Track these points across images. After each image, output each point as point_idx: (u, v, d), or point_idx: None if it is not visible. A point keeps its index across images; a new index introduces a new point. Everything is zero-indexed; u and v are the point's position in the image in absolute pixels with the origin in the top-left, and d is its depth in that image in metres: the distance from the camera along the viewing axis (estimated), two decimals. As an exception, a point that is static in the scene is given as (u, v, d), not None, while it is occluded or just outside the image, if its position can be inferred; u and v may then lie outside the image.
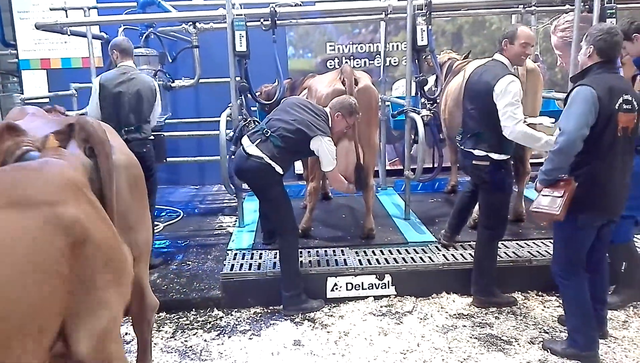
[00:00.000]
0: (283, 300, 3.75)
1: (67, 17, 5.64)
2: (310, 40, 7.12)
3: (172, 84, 5.44)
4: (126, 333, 3.56)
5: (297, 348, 3.34)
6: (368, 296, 3.89)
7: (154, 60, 5.46)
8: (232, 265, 4.07)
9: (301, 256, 4.15)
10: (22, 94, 6.88)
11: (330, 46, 7.14)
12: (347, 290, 3.89)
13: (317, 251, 4.28)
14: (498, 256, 3.84)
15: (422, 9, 4.66)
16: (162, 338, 3.53)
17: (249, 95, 4.85)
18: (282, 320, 3.71)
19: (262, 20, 4.98)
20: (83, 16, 5.80)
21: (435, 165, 4.71)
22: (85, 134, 2.34)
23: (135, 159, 2.58)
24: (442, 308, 3.76)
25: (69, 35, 5.47)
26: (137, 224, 2.53)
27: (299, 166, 6.61)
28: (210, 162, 6.52)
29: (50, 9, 5.93)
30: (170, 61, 5.79)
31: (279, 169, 3.63)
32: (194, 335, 3.57)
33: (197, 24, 5.08)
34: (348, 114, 3.78)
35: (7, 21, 7.47)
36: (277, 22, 4.99)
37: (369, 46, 7.12)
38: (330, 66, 7.00)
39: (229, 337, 3.51)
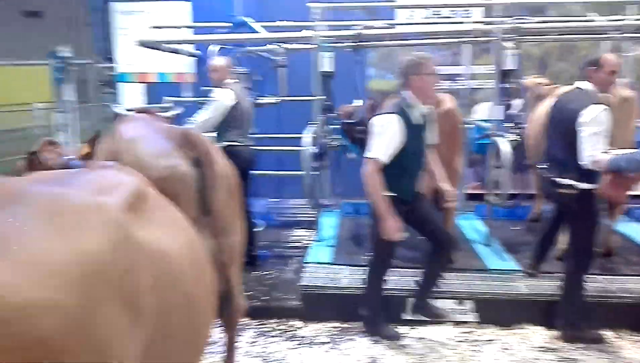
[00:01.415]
0: (362, 317, 3.78)
1: (165, 35, 6.06)
2: (392, 61, 7.20)
3: (258, 101, 5.69)
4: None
5: (374, 366, 3.38)
6: (447, 321, 3.85)
7: (243, 78, 5.73)
8: (311, 278, 4.17)
9: (379, 275, 4.20)
10: (119, 105, 7.43)
11: (411, 67, 7.18)
12: (425, 312, 3.88)
13: (395, 271, 4.28)
14: (588, 291, 3.69)
15: (509, 33, 4.62)
16: (244, 343, 3.67)
17: (331, 114, 4.99)
18: (359, 336, 3.75)
19: (347, 42, 5.14)
20: (180, 35, 6.25)
21: (519, 191, 4.62)
22: (191, 146, 2.54)
23: (232, 170, 2.76)
24: (524, 339, 3.66)
25: (166, 52, 5.89)
26: (231, 229, 2.69)
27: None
28: (289, 176, 6.69)
29: (150, 27, 6.39)
30: (258, 79, 6.05)
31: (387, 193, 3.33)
32: (274, 342, 3.69)
33: (285, 44, 5.32)
34: (417, 69, 3.24)
35: (108, 36, 8.10)
36: (362, 43, 5.13)
37: (452, 68, 7.11)
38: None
39: (308, 348, 3.60)
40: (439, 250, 3.53)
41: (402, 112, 3.27)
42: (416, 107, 3.31)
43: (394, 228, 3.29)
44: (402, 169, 3.28)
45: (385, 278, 3.76)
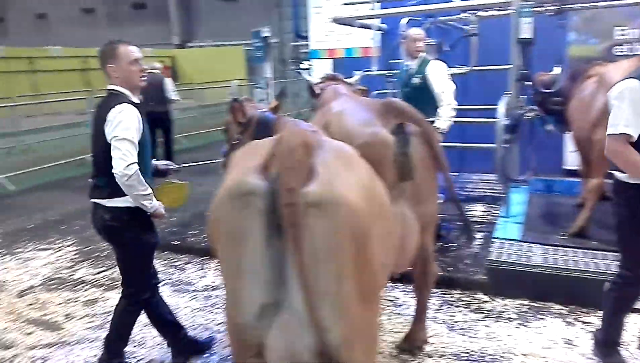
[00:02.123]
0: (595, 342, 3.11)
1: (357, 10, 6.30)
2: (597, 24, 6.47)
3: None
4: (397, 298, 3.93)
5: (569, 347, 3.22)
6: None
7: (432, 49, 5.71)
8: (500, 253, 4.08)
9: (576, 257, 3.95)
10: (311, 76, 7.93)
11: (619, 30, 6.38)
12: (628, 299, 3.54)
13: (594, 254, 3.98)
14: None
15: None
16: (429, 309, 3.77)
17: (528, 83, 4.73)
18: (551, 316, 3.60)
19: (548, 5, 4.78)
20: (370, 10, 6.42)
21: None
22: (395, 114, 2.68)
23: (434, 139, 2.82)
24: None
25: (358, 27, 6.12)
26: (428, 197, 2.78)
27: (568, 160, 6.21)
28: (471, 149, 6.52)
29: (343, 4, 6.68)
30: (447, 49, 5.97)
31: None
32: (459, 312, 3.73)
33: (478, 12, 5.15)
34: None
35: (302, 15, 8.66)
36: (565, 6, 4.74)
37: (672, 30, 6.14)
38: (619, 53, 6.25)
39: (496, 322, 3.58)
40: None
41: None
42: None
43: None
44: None
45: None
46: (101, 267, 4.92)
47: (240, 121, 3.05)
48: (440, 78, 4.68)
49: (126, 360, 3.18)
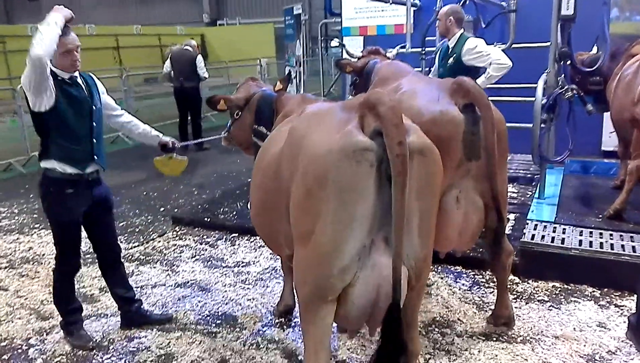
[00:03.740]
0: (629, 326, 3.09)
1: (390, -14, 6.16)
2: (641, 0, 6.21)
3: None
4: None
5: (602, 330, 3.17)
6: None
7: (467, 26, 5.55)
8: (533, 235, 4.01)
9: (612, 239, 3.86)
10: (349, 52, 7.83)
11: (666, 6, 6.11)
12: (667, 283, 3.46)
13: (632, 237, 3.88)
14: None
15: None
16: (459, 289, 3.77)
17: (568, 62, 4.58)
18: (583, 299, 3.55)
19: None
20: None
21: None
22: (463, 93, 2.67)
23: (502, 118, 2.80)
24: None
25: (390, 4, 6.00)
26: (497, 175, 2.74)
27: (606, 141, 6.03)
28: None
29: (377, -20, 6.55)
30: (484, 26, 5.80)
31: None
32: (490, 292, 3.70)
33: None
34: None
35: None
36: (610, -19, 4.54)
37: None
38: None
39: (527, 304, 3.54)
40: None
41: None
42: None
43: None
44: None
45: None
46: (135, 242, 5.04)
47: (230, 106, 3.42)
48: (482, 50, 4.38)
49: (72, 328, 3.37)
